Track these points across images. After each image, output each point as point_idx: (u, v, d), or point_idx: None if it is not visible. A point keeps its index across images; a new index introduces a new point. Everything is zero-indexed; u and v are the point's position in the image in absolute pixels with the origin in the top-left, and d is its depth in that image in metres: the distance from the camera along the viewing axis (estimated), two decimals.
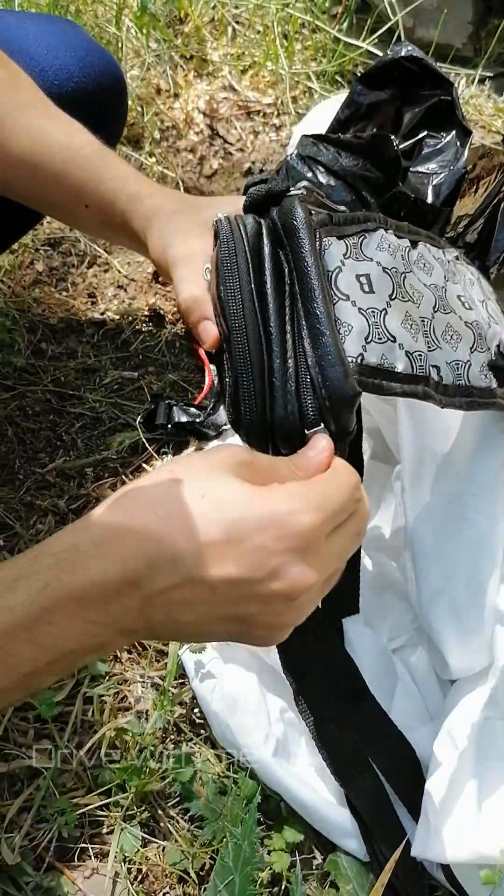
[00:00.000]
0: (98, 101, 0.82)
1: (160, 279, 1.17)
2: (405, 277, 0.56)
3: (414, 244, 0.60)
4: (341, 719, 0.71)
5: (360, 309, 0.51)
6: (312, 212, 0.52)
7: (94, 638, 0.41)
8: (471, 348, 0.59)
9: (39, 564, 0.40)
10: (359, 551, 0.67)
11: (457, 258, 0.66)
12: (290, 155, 0.92)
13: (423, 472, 0.70)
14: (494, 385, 0.59)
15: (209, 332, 0.53)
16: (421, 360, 0.54)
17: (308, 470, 0.44)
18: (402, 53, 1.00)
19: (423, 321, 0.56)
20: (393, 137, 0.91)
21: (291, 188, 0.54)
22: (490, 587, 0.66)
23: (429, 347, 0.55)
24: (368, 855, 0.69)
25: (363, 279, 0.53)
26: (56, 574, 0.40)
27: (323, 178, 0.90)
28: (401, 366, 0.53)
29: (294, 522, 0.40)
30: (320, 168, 0.90)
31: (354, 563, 0.70)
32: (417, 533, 0.69)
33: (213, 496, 0.40)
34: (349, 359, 0.50)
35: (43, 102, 0.67)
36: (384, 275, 0.54)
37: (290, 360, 0.48)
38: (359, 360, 0.50)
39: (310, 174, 0.91)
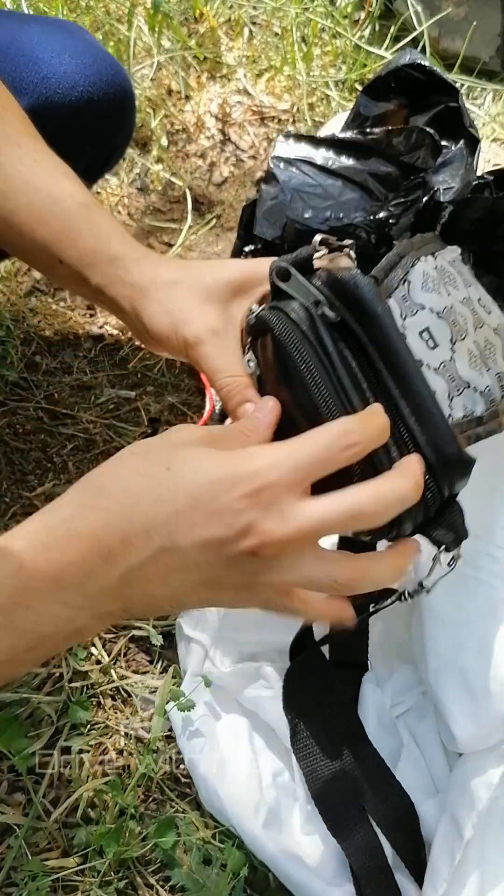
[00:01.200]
0: (104, 111, 0.76)
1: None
2: (453, 308, 0.52)
3: (434, 256, 0.55)
4: (337, 764, 0.67)
5: (434, 370, 0.49)
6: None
7: (70, 622, 0.41)
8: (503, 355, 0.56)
9: (11, 546, 0.40)
10: (376, 611, 0.61)
11: (459, 258, 0.61)
12: (271, 159, 0.88)
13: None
14: None
15: (258, 412, 0.48)
16: (491, 392, 0.51)
17: (258, 431, 0.45)
18: (406, 60, 0.94)
19: (476, 346, 0.53)
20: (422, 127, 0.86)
21: (313, 251, 0.49)
22: (502, 658, 0.62)
23: (487, 371, 0.52)
24: None
25: (425, 335, 0.50)
26: (31, 556, 0.39)
27: (318, 179, 0.85)
28: (479, 409, 0.50)
29: (259, 478, 0.40)
30: (310, 168, 0.85)
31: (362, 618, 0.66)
32: (428, 595, 0.64)
33: (178, 467, 0.41)
34: None
35: (30, 140, 0.60)
36: (440, 320, 0.50)
37: (392, 450, 0.44)
38: (450, 421, 0.48)
39: (301, 176, 0.87)
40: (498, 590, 0.64)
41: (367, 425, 0.42)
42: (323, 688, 0.69)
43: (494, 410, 0.51)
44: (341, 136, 0.88)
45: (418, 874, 0.64)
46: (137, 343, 1.07)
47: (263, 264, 0.51)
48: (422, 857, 0.65)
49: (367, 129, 0.92)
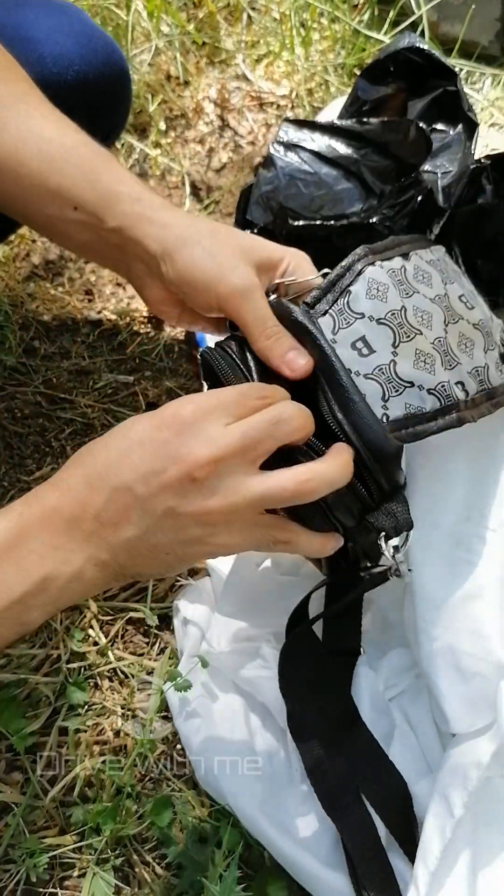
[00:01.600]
0: (100, 90, 0.76)
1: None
2: (405, 310, 0.56)
3: (406, 257, 0.59)
4: (332, 745, 0.68)
5: (365, 376, 0.54)
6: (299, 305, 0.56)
7: (67, 564, 0.47)
8: (484, 350, 0.60)
9: (14, 505, 0.49)
10: (360, 591, 0.62)
11: (444, 255, 0.64)
12: (272, 144, 0.88)
13: (428, 512, 0.65)
14: None
15: (301, 358, 0.54)
16: (446, 389, 0.55)
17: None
18: (405, 44, 0.94)
19: (438, 342, 0.57)
20: (417, 123, 0.86)
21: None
22: (495, 640, 0.62)
23: (449, 367, 0.57)
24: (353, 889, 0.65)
25: (359, 344, 0.55)
26: (26, 507, 0.48)
27: (315, 167, 0.85)
28: (428, 405, 0.55)
29: (178, 414, 0.48)
30: (308, 156, 0.85)
31: (355, 601, 0.67)
32: (420, 577, 0.64)
33: (119, 427, 0.50)
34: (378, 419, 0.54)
35: (37, 98, 0.60)
36: (380, 326, 0.55)
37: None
38: (384, 420, 0.54)
39: (298, 163, 0.86)
40: (489, 571, 0.64)
41: (271, 390, 0.51)
42: (316, 671, 0.69)
43: (449, 406, 0.55)
44: (340, 123, 0.87)
45: (412, 854, 0.65)
46: (135, 328, 1.08)
47: (291, 251, 0.59)
48: (415, 837, 0.65)
49: (365, 119, 0.91)
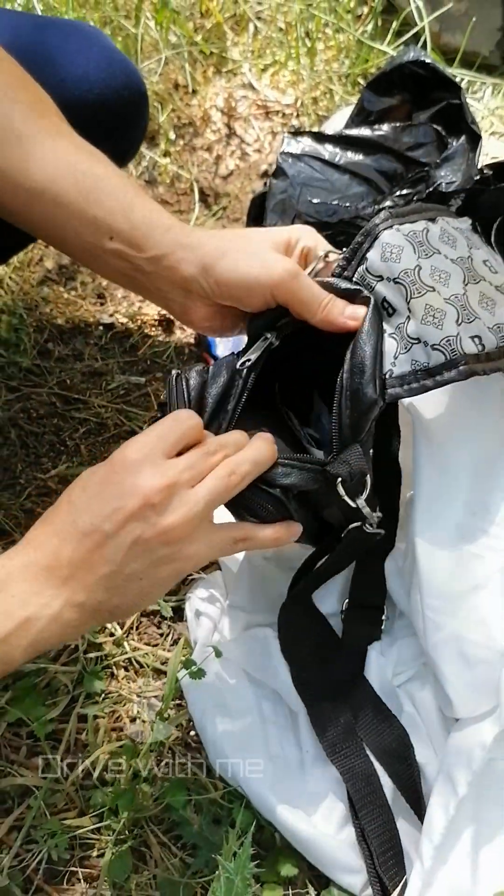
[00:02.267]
0: (119, 111, 0.79)
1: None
2: (420, 269, 0.60)
3: (433, 220, 0.63)
4: (336, 699, 0.72)
5: (389, 334, 0.60)
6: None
7: (46, 607, 0.52)
8: None
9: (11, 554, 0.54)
10: (346, 550, 0.67)
11: (471, 227, 0.67)
12: (280, 155, 0.91)
13: (435, 502, 0.68)
14: None
15: (358, 310, 0.61)
16: (451, 343, 0.58)
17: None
18: (410, 57, 0.97)
19: (455, 298, 0.60)
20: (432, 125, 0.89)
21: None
22: (498, 629, 0.65)
23: (467, 321, 0.59)
24: (358, 842, 0.68)
25: (385, 304, 0.61)
26: (6, 559, 0.53)
27: (326, 174, 0.88)
28: (432, 360, 0.58)
29: (125, 456, 0.54)
30: (317, 164, 0.88)
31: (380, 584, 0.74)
32: (426, 568, 0.67)
33: (82, 482, 0.55)
34: (384, 373, 0.59)
35: (68, 130, 0.64)
36: (395, 285, 0.60)
37: None
38: (388, 375, 0.59)
39: (309, 171, 0.90)
40: (493, 562, 0.67)
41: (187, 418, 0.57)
42: (316, 634, 0.74)
43: (454, 360, 0.58)
44: (348, 132, 0.90)
45: (414, 801, 0.68)
46: (147, 331, 1.11)
47: (297, 229, 0.65)
48: (417, 785, 0.69)
49: (375, 126, 0.94)
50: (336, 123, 1.13)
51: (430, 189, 0.86)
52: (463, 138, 0.95)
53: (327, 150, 0.90)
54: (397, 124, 0.95)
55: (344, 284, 0.62)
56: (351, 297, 0.61)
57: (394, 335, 0.60)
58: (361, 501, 0.61)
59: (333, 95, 1.37)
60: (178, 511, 0.53)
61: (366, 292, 0.61)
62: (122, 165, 0.93)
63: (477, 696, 0.66)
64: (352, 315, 0.61)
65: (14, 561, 0.53)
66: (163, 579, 0.56)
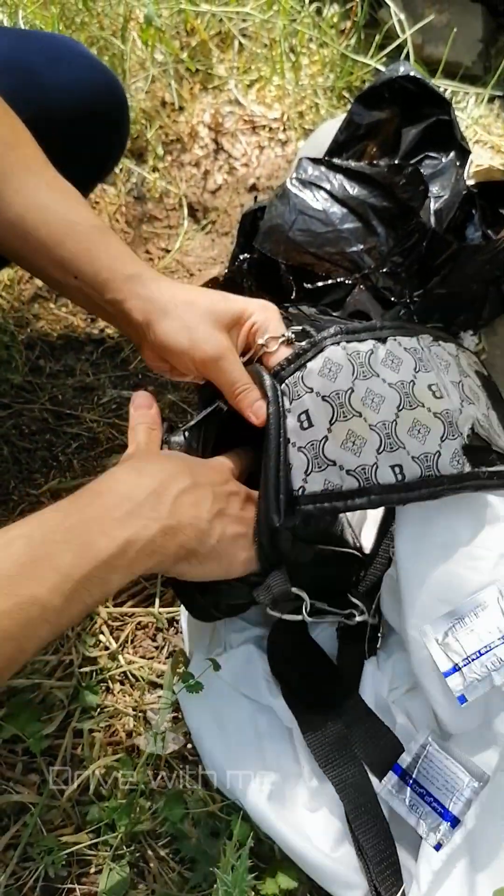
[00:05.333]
0: (99, 119, 0.80)
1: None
2: (351, 392, 0.62)
3: (382, 341, 0.65)
4: (329, 713, 0.72)
5: (299, 448, 0.62)
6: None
7: (146, 529, 0.56)
8: (441, 438, 0.62)
9: (53, 507, 0.57)
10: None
11: (434, 340, 0.68)
12: (290, 179, 0.91)
13: (419, 525, 0.67)
14: (467, 469, 0.62)
15: (264, 409, 0.63)
16: (366, 472, 0.60)
17: (153, 419, 0.67)
18: (400, 72, 0.98)
19: (382, 425, 0.61)
20: (417, 168, 0.90)
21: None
22: None
23: (389, 450, 0.60)
24: (356, 854, 0.67)
25: (303, 416, 0.62)
26: (77, 498, 0.57)
27: (324, 205, 0.88)
28: (346, 484, 0.60)
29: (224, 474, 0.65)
30: (323, 194, 0.88)
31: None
32: (410, 587, 0.66)
33: (162, 457, 0.64)
34: (295, 491, 0.61)
35: (43, 164, 0.65)
36: (323, 403, 0.61)
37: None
38: (300, 492, 0.61)
39: (311, 200, 0.90)
40: (476, 582, 0.66)
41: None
42: (309, 653, 0.75)
43: (367, 488, 0.60)
44: (353, 165, 0.90)
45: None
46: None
47: (254, 304, 0.67)
48: None
49: (375, 162, 0.95)
50: (320, 135, 1.14)
51: (426, 242, 0.86)
52: (452, 154, 0.96)
53: (336, 180, 0.90)
54: (397, 162, 0.95)
55: (268, 379, 0.64)
56: (265, 395, 0.64)
57: (304, 450, 0.62)
58: (319, 605, 0.67)
59: (319, 109, 1.39)
60: (249, 511, 0.63)
61: (270, 409, 0.63)
62: (105, 172, 0.94)
63: (463, 714, 0.65)
64: (255, 411, 0.63)
65: (135, 483, 0.58)
66: (233, 555, 0.62)
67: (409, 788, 0.66)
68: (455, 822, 0.63)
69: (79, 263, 0.63)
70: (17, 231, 0.62)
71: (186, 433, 0.67)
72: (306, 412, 0.62)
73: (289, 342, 0.66)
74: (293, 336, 0.66)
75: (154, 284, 0.64)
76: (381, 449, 0.60)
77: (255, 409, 0.63)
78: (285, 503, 0.61)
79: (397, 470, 0.60)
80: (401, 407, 0.62)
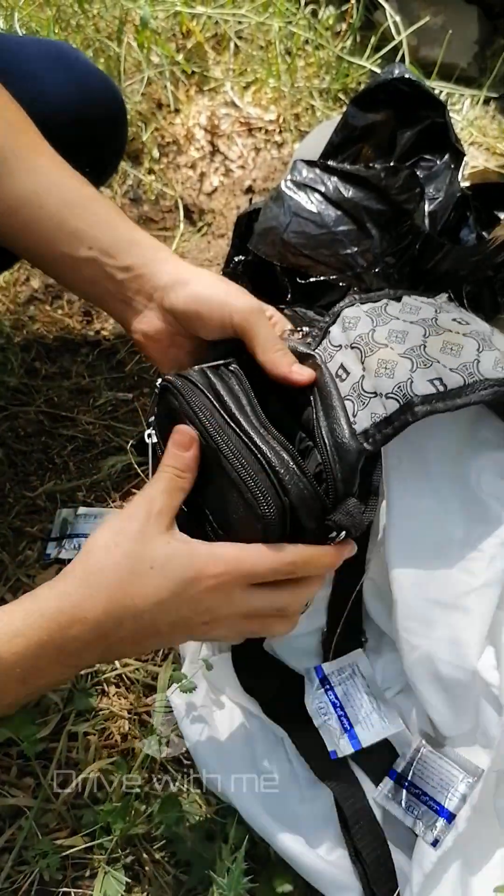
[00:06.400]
0: (98, 124, 0.80)
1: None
2: (373, 332, 0.63)
3: (397, 298, 0.67)
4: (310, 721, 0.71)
5: (344, 397, 0.62)
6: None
7: (64, 675, 0.58)
8: (477, 350, 0.62)
9: (33, 624, 0.53)
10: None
11: (448, 299, 0.71)
12: (285, 181, 0.91)
13: (410, 522, 0.67)
14: None
15: (305, 369, 0.61)
16: (402, 388, 0.60)
17: (189, 469, 0.58)
18: (395, 74, 0.98)
19: (410, 350, 0.62)
20: (413, 171, 0.90)
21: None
22: (472, 649, 0.64)
23: (424, 366, 0.60)
24: (351, 859, 0.67)
25: (340, 371, 0.63)
26: (47, 634, 0.53)
27: (319, 208, 0.88)
28: (389, 409, 0.60)
29: (219, 577, 0.55)
30: (317, 196, 0.88)
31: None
32: (401, 588, 0.65)
33: (158, 564, 0.54)
34: None
35: (49, 150, 0.66)
36: (352, 350, 0.63)
37: (283, 453, 0.57)
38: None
39: (305, 202, 0.90)
40: (467, 583, 0.66)
41: (310, 565, 0.57)
42: (278, 667, 0.75)
43: (409, 403, 0.59)
44: (348, 168, 0.90)
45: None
46: (133, 347, 1.11)
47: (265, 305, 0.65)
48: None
49: (371, 164, 0.95)
50: (317, 136, 1.14)
51: (420, 244, 0.86)
52: (447, 156, 0.96)
53: (331, 182, 0.90)
54: (392, 164, 0.95)
55: (302, 347, 0.64)
56: (303, 359, 0.63)
57: (349, 397, 0.62)
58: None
59: (315, 111, 1.39)
60: (222, 628, 0.58)
61: (318, 359, 0.62)
62: (104, 179, 0.94)
63: (456, 716, 0.65)
64: (298, 370, 0.61)
65: (54, 636, 0.53)
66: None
67: (404, 791, 0.66)
68: (451, 817, 0.63)
69: (96, 231, 0.63)
70: (29, 208, 0.63)
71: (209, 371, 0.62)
72: (341, 365, 0.63)
73: (304, 335, 0.66)
74: (308, 330, 0.67)
75: (173, 258, 0.65)
76: (415, 368, 0.60)
77: (297, 370, 0.61)
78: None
79: (437, 382, 0.59)
80: (427, 335, 0.62)
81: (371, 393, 0.60)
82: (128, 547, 0.55)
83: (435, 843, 0.63)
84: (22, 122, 0.66)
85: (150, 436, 0.64)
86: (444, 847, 0.62)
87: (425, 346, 0.61)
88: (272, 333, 0.62)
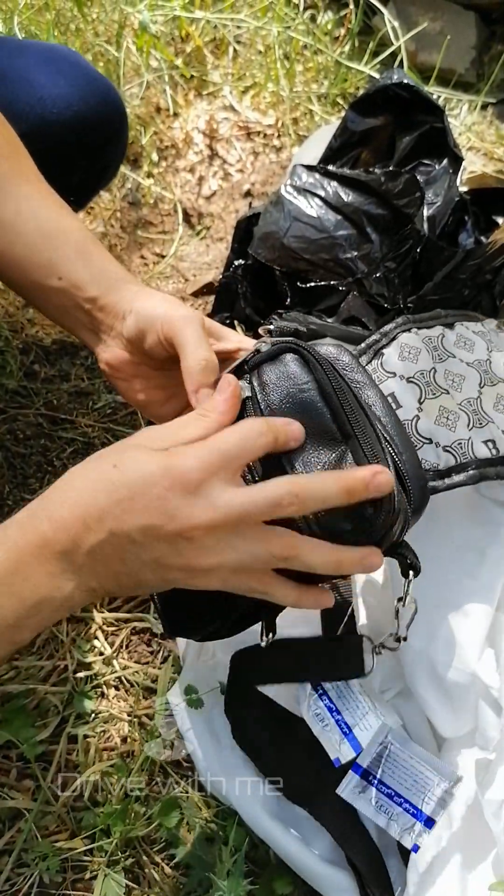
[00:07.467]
0: (98, 129, 0.80)
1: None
2: (435, 371, 0.61)
3: (450, 326, 0.66)
4: (304, 770, 0.70)
5: None
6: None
7: (59, 590, 0.50)
8: None
9: (8, 530, 0.50)
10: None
11: (498, 327, 0.70)
12: (285, 186, 0.91)
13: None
14: None
15: (208, 399, 0.54)
16: (462, 447, 0.59)
17: (215, 408, 0.52)
18: (394, 80, 0.99)
19: (467, 402, 0.61)
20: (414, 175, 0.90)
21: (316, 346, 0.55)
22: (471, 651, 0.64)
23: (479, 426, 0.60)
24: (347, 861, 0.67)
25: (389, 399, 0.58)
26: (21, 534, 0.50)
27: (319, 212, 0.88)
28: (442, 462, 0.59)
29: (181, 469, 0.48)
30: (317, 201, 0.89)
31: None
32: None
33: (122, 464, 0.49)
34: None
35: (37, 177, 0.66)
36: (409, 384, 0.61)
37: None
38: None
39: (305, 207, 0.90)
40: (467, 588, 0.66)
41: (276, 427, 0.50)
42: (267, 716, 0.73)
43: (464, 463, 0.58)
44: (348, 172, 0.91)
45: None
46: None
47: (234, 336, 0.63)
48: None
49: (371, 169, 0.96)
50: (315, 141, 1.15)
51: (420, 248, 0.86)
52: (445, 161, 0.96)
53: (331, 187, 0.90)
54: (391, 168, 0.96)
55: (355, 370, 0.55)
56: (279, 353, 0.55)
57: None
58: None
59: (313, 116, 1.39)
60: (211, 554, 0.49)
61: (305, 351, 0.53)
62: (104, 182, 0.94)
63: (455, 717, 0.65)
64: (205, 394, 0.55)
65: (28, 537, 0.50)
66: (170, 584, 0.53)
67: (373, 788, 0.65)
68: (430, 822, 0.63)
69: (67, 263, 0.63)
70: (8, 232, 0.63)
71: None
72: (392, 394, 0.61)
73: (269, 333, 0.60)
74: (273, 328, 0.60)
75: (137, 285, 0.64)
76: (471, 425, 0.60)
77: (204, 394, 0.55)
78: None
79: (490, 445, 0.60)
80: (482, 384, 0.63)
81: (426, 438, 0.60)
82: (106, 450, 0.52)
83: (415, 849, 0.62)
84: (10, 147, 0.66)
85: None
86: (438, 847, 0.63)
87: (480, 401, 0.62)
88: (200, 344, 0.57)
